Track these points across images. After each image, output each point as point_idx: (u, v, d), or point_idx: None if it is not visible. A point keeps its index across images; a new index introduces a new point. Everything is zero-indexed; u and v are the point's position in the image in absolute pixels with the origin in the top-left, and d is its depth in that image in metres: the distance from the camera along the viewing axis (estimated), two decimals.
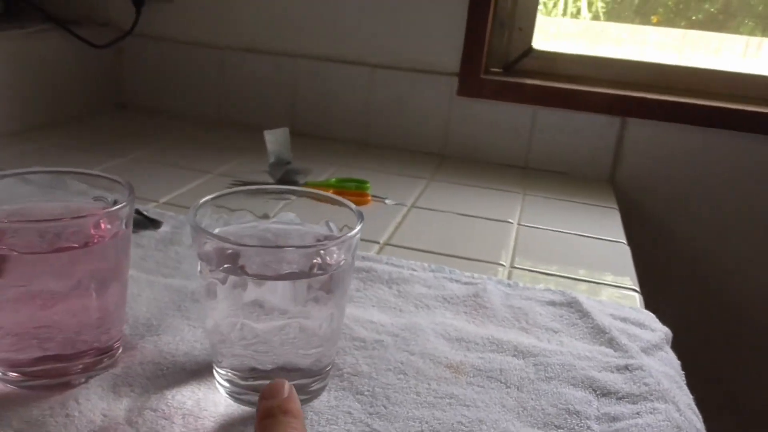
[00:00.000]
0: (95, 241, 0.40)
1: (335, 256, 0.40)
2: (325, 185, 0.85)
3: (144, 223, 0.66)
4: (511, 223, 0.80)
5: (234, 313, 0.39)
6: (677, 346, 0.56)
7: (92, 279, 0.41)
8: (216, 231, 0.42)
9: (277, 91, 1.11)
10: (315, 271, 0.39)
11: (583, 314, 0.56)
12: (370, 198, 0.83)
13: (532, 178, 0.99)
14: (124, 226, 0.41)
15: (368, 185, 0.87)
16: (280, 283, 0.39)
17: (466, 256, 0.69)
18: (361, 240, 0.70)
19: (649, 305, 0.66)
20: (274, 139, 0.89)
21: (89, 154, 0.91)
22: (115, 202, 0.42)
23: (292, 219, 0.47)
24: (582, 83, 1.02)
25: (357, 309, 0.54)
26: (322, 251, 0.40)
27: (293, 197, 0.46)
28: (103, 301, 0.42)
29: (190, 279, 0.56)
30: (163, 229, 0.66)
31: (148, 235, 0.64)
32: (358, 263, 0.62)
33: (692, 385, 0.50)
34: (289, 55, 1.09)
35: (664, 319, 0.58)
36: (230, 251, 0.40)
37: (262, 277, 0.38)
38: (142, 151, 0.94)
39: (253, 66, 1.11)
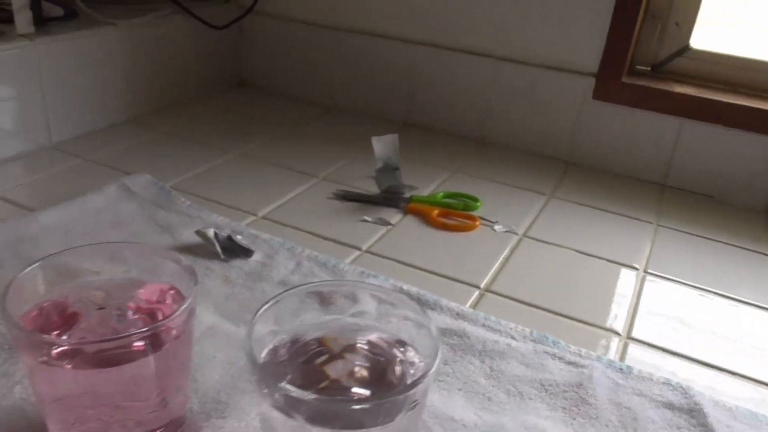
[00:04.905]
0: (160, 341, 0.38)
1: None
2: (431, 202, 0.79)
3: (235, 250, 0.64)
4: (637, 269, 0.70)
5: None
6: None
7: (156, 377, 0.39)
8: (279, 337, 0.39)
9: (395, 78, 1.04)
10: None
11: (706, 430, 0.47)
12: (478, 222, 0.76)
13: (669, 201, 0.87)
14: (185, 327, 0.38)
15: (479, 204, 0.80)
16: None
17: (577, 317, 0.61)
18: (461, 283, 0.64)
19: None
20: (383, 145, 0.84)
21: (202, 147, 0.90)
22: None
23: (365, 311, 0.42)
24: (744, 93, 0.87)
25: (441, 395, 0.49)
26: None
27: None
28: (163, 387, 0.40)
29: None
30: (255, 258, 0.64)
31: (237, 266, 0.62)
32: (450, 322, 0.57)
33: None
34: (410, 41, 1.01)
35: None
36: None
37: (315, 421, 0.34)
38: (251, 145, 0.92)
39: (371, 50, 1.04)
